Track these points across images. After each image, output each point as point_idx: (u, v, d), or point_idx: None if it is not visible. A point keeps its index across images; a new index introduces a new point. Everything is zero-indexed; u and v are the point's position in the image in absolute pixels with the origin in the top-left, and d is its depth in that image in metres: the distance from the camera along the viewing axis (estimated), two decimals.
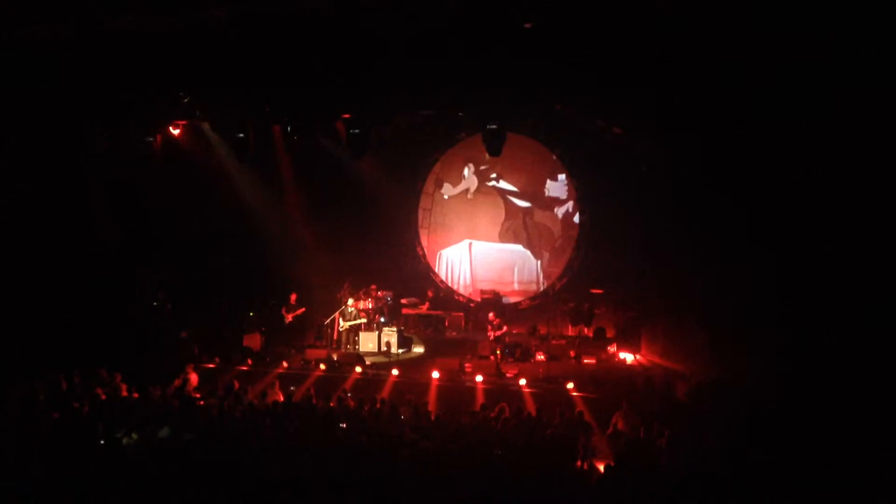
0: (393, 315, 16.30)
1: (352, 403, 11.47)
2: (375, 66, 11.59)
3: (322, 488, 7.70)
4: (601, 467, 9.15)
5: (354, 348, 15.26)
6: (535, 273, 17.56)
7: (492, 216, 17.96)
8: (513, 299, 17.42)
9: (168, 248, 15.88)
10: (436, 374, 13.26)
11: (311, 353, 14.83)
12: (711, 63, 10.47)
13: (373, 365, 14.19)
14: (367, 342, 15.22)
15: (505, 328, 14.47)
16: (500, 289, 17.32)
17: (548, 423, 10.59)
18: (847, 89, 9.66)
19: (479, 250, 17.98)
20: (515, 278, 17.75)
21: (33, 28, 10.79)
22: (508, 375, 13.48)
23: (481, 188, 17.94)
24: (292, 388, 12.35)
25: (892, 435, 8.81)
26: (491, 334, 14.31)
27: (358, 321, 15.40)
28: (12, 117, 12.92)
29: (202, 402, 11.43)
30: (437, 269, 18.19)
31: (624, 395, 11.90)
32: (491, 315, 14.60)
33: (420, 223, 18.29)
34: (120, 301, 14.80)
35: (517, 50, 10.78)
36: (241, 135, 14.23)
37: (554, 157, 17.15)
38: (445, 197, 18.16)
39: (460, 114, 14.72)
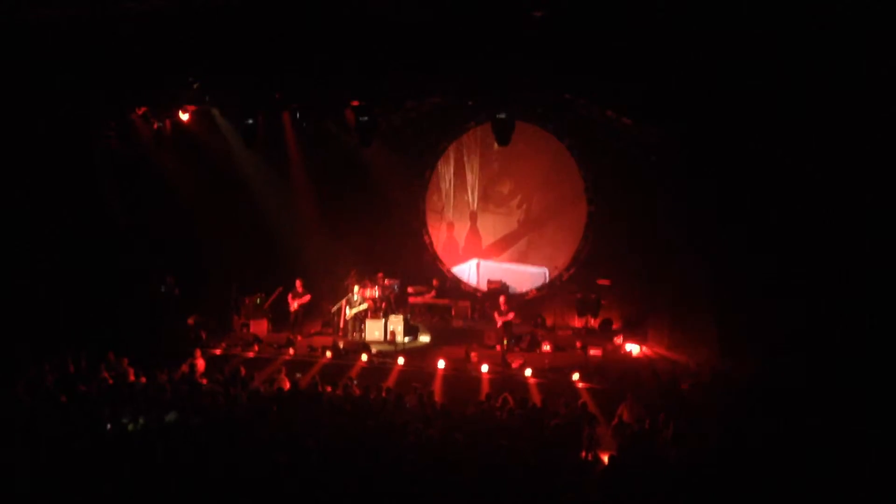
0: (399, 303, 16.29)
1: (357, 391, 11.50)
2: (385, 53, 11.54)
3: (327, 475, 7.72)
4: (605, 458, 9.15)
5: (361, 336, 15.30)
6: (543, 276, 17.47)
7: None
8: (520, 289, 17.38)
9: (176, 233, 15.90)
10: (441, 364, 13.29)
11: (318, 341, 14.86)
12: (720, 54, 10.39)
13: (379, 353, 14.21)
14: (374, 330, 15.23)
15: (512, 314, 14.43)
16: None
17: (553, 413, 10.60)
18: (852, 85, 9.59)
19: (486, 268, 17.91)
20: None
21: (39, 10, 10.76)
22: (514, 365, 13.49)
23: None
24: (298, 375, 12.38)
25: None
26: (499, 320, 14.30)
27: (363, 307, 15.41)
28: (20, 102, 12.91)
29: (208, 388, 11.48)
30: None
31: (629, 386, 11.91)
32: (502, 299, 14.57)
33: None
34: (128, 286, 14.84)
35: (527, 38, 10.72)
36: (251, 121, 14.23)
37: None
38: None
39: (469, 102, 14.64)
